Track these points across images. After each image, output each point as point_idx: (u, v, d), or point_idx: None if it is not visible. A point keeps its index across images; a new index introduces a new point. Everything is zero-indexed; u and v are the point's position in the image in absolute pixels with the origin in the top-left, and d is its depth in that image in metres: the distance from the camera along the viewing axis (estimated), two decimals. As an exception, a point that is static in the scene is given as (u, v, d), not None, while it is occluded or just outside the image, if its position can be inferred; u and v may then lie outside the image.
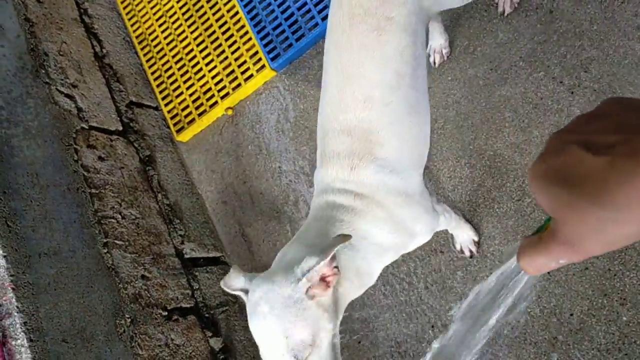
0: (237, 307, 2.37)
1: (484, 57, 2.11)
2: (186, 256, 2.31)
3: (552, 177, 0.52)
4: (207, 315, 2.20)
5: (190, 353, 2.01)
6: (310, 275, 1.12)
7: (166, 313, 2.02)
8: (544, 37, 2.01)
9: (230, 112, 2.59)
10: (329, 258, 1.12)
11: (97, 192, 2.07)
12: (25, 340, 1.54)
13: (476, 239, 2.01)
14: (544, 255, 0.56)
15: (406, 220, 1.36)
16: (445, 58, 2.17)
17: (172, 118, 2.67)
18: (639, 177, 0.44)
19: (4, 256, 1.62)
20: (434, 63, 2.19)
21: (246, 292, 1.23)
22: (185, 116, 2.64)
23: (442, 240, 2.09)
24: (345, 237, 1.16)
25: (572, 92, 1.94)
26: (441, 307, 2.08)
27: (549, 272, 1.89)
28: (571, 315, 1.86)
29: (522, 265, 0.60)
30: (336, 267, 1.19)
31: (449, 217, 1.70)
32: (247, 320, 2.13)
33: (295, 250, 1.22)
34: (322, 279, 1.17)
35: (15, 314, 1.57)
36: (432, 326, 2.08)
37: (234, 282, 1.27)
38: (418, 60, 1.41)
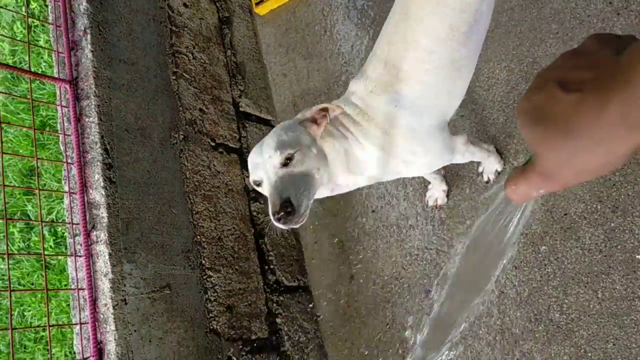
0: (275, 163, 2.67)
1: (547, -30, 2.21)
2: (241, 109, 2.61)
3: (532, 115, 0.55)
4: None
5: (227, 181, 2.33)
6: (304, 112, 1.49)
7: (214, 144, 2.35)
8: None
9: (306, -8, 2.83)
10: (319, 107, 1.48)
11: (176, 30, 2.38)
12: (96, 119, 1.89)
13: (500, 169, 2.15)
14: (525, 185, 0.62)
15: (403, 150, 1.55)
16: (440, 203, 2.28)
17: (254, -9, 2.95)
18: (604, 112, 0.49)
19: (92, 51, 1.96)
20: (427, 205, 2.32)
21: None
22: (266, -9, 2.90)
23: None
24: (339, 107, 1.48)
25: (619, 14, 2.03)
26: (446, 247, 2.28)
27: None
28: (565, 214, 2.02)
29: (507, 194, 0.66)
30: (325, 117, 1.50)
31: (469, 156, 1.85)
32: None
33: None
34: (315, 121, 1.50)
35: (92, 97, 1.91)
36: (435, 266, 2.30)
37: None
38: (479, 21, 1.51)
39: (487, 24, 1.58)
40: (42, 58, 3.10)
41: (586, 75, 0.50)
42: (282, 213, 1.35)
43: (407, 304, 2.29)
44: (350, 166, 1.56)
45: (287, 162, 1.40)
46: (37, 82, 3.01)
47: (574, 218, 2.00)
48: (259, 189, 1.51)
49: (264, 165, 1.43)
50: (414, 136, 1.55)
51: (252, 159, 1.49)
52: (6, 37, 2.94)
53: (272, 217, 1.38)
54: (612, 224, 1.93)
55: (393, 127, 1.53)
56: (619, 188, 1.93)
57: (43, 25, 3.12)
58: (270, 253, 2.41)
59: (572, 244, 1.99)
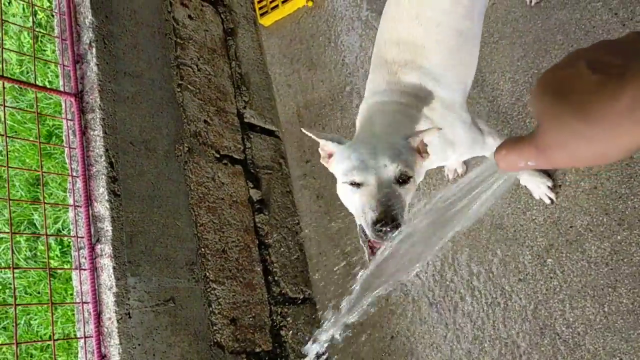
0: (280, 174, 2.67)
1: (552, -18, 2.21)
2: (245, 120, 2.62)
3: (552, 86, 0.54)
4: (252, 171, 2.52)
5: (232, 192, 2.34)
6: (415, 139, 1.36)
7: (218, 155, 2.35)
8: (612, -31, 2.09)
9: (310, 3, 2.83)
10: (425, 136, 1.37)
11: (181, 42, 2.39)
12: (101, 132, 1.90)
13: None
14: (516, 152, 0.61)
15: (445, 128, 1.50)
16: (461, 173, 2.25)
17: (259, 2, 2.95)
18: (616, 101, 0.48)
19: (97, 64, 1.97)
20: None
21: (337, 142, 1.43)
22: (271, 1, 2.90)
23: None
24: (438, 129, 1.39)
25: (624, 25, 2.02)
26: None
27: (559, 187, 2.03)
28: (571, 227, 2.00)
29: (496, 158, 0.65)
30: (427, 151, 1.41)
31: (493, 144, 1.79)
32: (285, 187, 2.51)
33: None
34: (419, 151, 1.40)
35: (97, 110, 1.92)
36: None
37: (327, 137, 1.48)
38: None
39: (484, 2, 1.64)
40: (49, 68, 3.12)
41: (616, 61, 0.49)
42: (386, 228, 1.22)
43: (411, 316, 2.28)
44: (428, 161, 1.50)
45: (401, 182, 1.30)
46: (44, 92, 3.03)
47: (580, 231, 1.98)
48: (351, 188, 1.35)
49: (376, 171, 1.29)
50: (449, 111, 1.54)
51: (361, 157, 1.32)
52: (13, 51, 2.96)
53: (369, 225, 1.25)
54: (619, 237, 1.92)
55: (435, 102, 1.52)
56: (626, 200, 1.92)
57: (50, 35, 3.15)
58: (275, 265, 2.41)
59: (578, 256, 1.98)
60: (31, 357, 2.85)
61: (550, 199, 2.06)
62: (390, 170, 1.29)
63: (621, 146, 0.50)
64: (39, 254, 3.03)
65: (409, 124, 1.47)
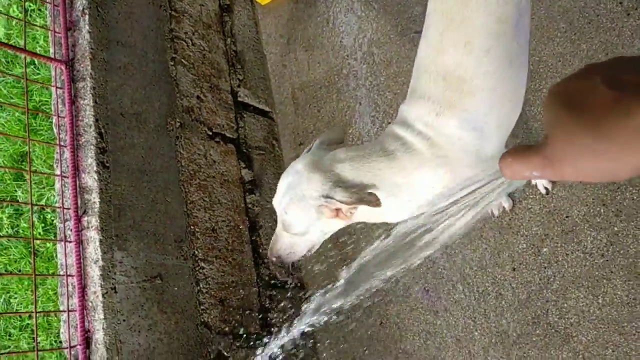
0: (272, 155, 2.62)
1: (557, -32, 2.17)
2: (239, 99, 2.56)
3: (564, 98, 0.53)
4: (244, 150, 2.46)
5: (223, 171, 2.28)
6: (329, 202, 1.33)
7: (210, 133, 2.29)
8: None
9: (309, -17, 2.78)
10: (350, 206, 1.32)
11: (176, 15, 2.33)
12: (91, 101, 1.84)
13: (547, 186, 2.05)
14: (522, 161, 0.60)
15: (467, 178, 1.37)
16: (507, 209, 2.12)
17: (256, -21, 2.90)
18: (629, 119, 0.47)
19: (89, 32, 1.90)
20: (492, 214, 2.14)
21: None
22: (269, -21, 2.85)
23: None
24: (377, 203, 1.30)
25: (629, 14, 1.99)
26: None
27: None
28: (567, 217, 1.98)
29: (501, 164, 0.64)
30: (353, 210, 1.36)
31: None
32: (277, 169, 2.56)
33: (346, 165, 1.37)
34: (337, 209, 1.36)
35: (88, 79, 1.86)
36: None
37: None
38: (522, 11, 1.40)
39: (528, 20, 1.48)
40: (37, 43, 3.03)
41: (632, 79, 0.48)
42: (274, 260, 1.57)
43: (401, 303, 2.25)
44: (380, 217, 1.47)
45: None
46: (32, 66, 2.94)
47: (576, 221, 1.96)
48: None
49: (279, 211, 1.44)
50: (479, 162, 1.38)
51: (280, 184, 1.45)
52: (3, 13, 2.87)
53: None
54: (615, 228, 1.90)
55: (461, 157, 1.37)
56: (624, 192, 1.90)
57: (40, 10, 3.06)
58: (265, 247, 2.36)
59: (574, 247, 1.95)
60: (10, 336, 2.78)
61: (545, 188, 2.03)
62: (279, 208, 1.44)
63: (630, 164, 0.49)
64: (21, 231, 2.95)
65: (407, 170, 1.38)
